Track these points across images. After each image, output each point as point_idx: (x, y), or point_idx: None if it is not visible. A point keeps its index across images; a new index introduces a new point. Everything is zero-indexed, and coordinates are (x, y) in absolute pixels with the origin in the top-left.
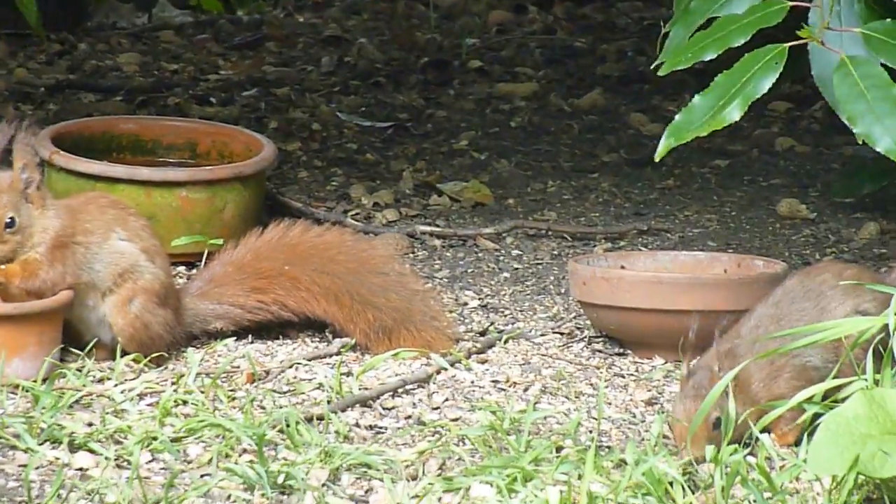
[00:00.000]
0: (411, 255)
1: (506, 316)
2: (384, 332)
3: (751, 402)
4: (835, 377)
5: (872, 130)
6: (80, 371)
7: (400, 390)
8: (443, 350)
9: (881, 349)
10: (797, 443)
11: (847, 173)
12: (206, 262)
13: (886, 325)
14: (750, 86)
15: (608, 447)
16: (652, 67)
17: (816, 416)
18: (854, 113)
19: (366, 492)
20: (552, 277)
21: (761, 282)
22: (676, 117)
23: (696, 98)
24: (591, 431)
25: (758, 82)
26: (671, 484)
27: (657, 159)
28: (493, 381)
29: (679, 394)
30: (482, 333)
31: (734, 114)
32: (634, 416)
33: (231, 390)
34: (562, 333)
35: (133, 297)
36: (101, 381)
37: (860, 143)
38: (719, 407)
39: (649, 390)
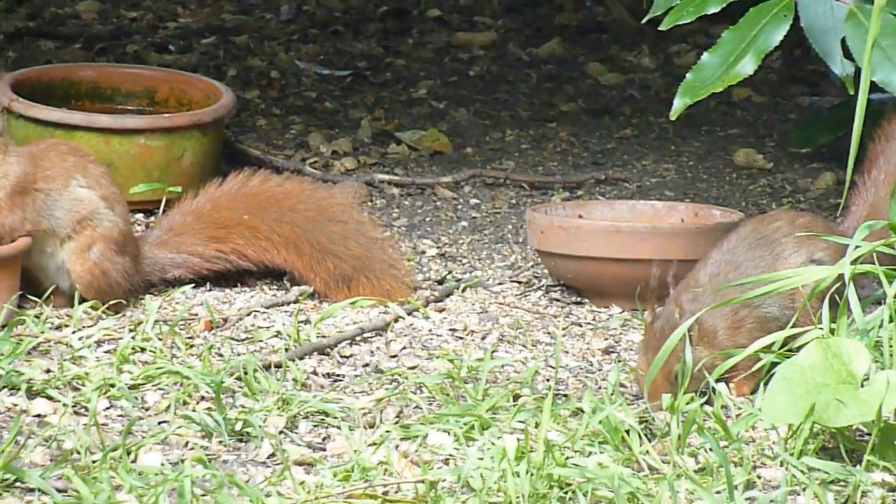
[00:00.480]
0: (370, 204)
1: (464, 265)
2: (344, 280)
3: (715, 348)
4: (792, 327)
5: (891, 77)
6: (38, 318)
7: (358, 338)
8: (401, 298)
9: (837, 298)
10: (753, 392)
11: (804, 124)
12: (164, 211)
13: (842, 275)
14: (760, 39)
15: (565, 395)
16: (644, 21)
17: (773, 365)
18: (870, 61)
19: (323, 439)
20: (510, 226)
21: (718, 231)
22: (688, 76)
23: (706, 56)
24: (548, 380)
25: (768, 35)
26: (628, 432)
27: (673, 118)
28: (450, 330)
29: (642, 343)
30: (440, 282)
31: (748, 67)
32: (591, 365)
33: (189, 338)
34: (519, 282)
35: (92, 244)
36: (59, 328)
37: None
38: (677, 357)
39: (606, 339)
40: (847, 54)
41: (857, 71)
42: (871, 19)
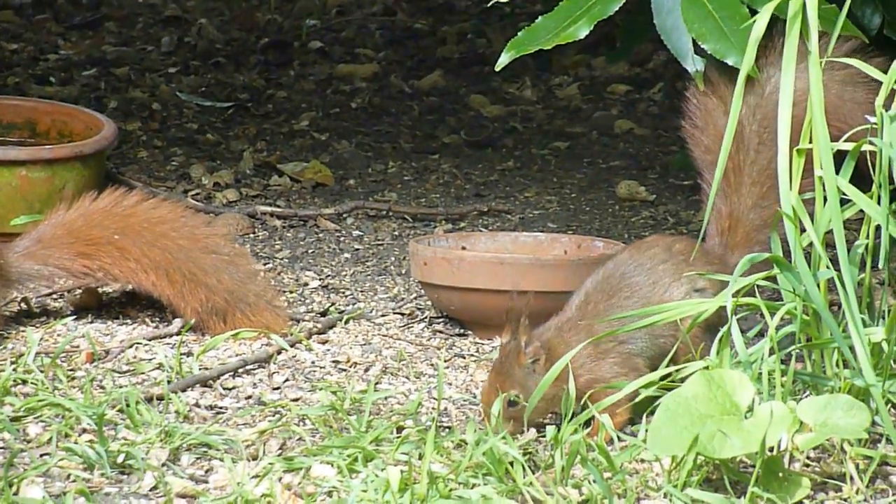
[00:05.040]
0: (252, 236)
1: (346, 296)
2: (217, 313)
3: (561, 378)
4: (671, 358)
5: (720, 46)
6: None
7: (240, 370)
8: (281, 332)
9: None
10: (631, 422)
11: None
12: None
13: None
14: (597, 8)
15: (449, 427)
16: (498, 68)
17: (654, 399)
18: (702, 31)
19: (206, 472)
20: (393, 258)
21: (602, 262)
22: (519, 34)
23: (541, 19)
24: (431, 411)
25: (605, 5)
26: (511, 464)
27: (497, 69)
28: (333, 362)
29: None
30: (323, 314)
31: (581, 31)
32: (475, 397)
33: (71, 370)
34: (402, 314)
35: None
36: None
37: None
38: (518, 384)
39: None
40: (697, 49)
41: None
42: None
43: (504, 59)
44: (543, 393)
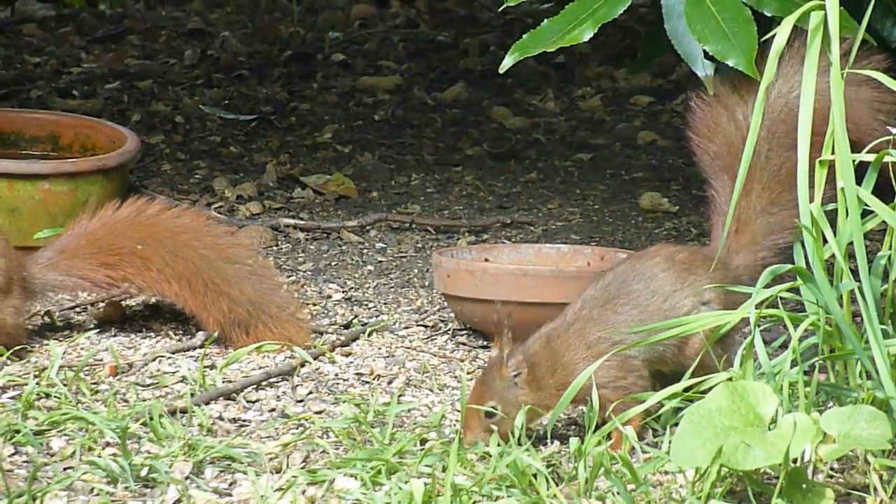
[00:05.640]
0: (275, 248)
1: (370, 308)
2: (239, 324)
3: (545, 389)
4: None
5: (721, 47)
6: None
7: (264, 383)
8: (303, 344)
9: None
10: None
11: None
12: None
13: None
14: (601, 11)
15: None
16: (502, 9)
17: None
18: (704, 32)
19: (229, 485)
20: (416, 270)
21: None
22: (524, 37)
23: (546, 22)
24: (454, 424)
25: (610, 7)
26: (535, 476)
27: (501, 71)
28: (357, 374)
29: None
30: (346, 326)
31: (585, 34)
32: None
33: (94, 383)
34: (426, 326)
35: None
36: None
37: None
38: (498, 397)
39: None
40: (707, 54)
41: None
42: None
43: (508, 62)
44: (523, 405)
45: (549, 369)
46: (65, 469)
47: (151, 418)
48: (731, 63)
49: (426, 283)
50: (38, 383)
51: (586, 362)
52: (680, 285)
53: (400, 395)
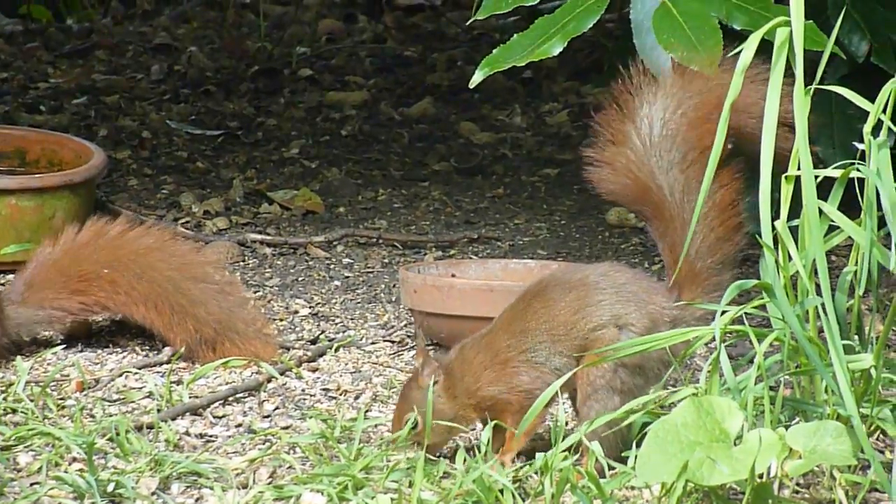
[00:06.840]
0: (242, 264)
1: (336, 324)
2: (206, 342)
3: (465, 397)
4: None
5: (687, 54)
6: None
7: (230, 399)
8: (270, 360)
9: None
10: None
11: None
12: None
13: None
14: (570, 25)
15: (438, 455)
16: (469, 23)
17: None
18: (671, 41)
19: (196, 500)
20: (383, 286)
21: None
22: (494, 52)
23: (516, 37)
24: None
25: (578, 22)
26: (501, 491)
27: (471, 86)
28: (323, 390)
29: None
30: (313, 342)
31: (554, 48)
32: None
33: (60, 399)
34: (392, 341)
35: None
36: None
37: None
38: (418, 407)
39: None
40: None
41: None
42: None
43: (478, 77)
44: (442, 415)
45: (459, 376)
46: (31, 484)
47: (118, 434)
48: (694, 67)
49: (393, 299)
50: (4, 399)
51: (492, 368)
52: (597, 302)
53: (367, 411)
